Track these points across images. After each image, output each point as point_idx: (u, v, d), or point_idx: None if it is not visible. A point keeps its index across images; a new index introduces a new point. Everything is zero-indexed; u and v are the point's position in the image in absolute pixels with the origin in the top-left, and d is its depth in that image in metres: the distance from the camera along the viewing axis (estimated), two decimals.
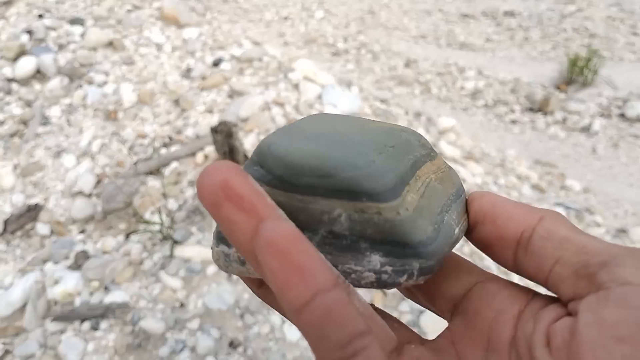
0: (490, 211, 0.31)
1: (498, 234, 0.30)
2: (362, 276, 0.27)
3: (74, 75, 3.36)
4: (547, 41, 6.77)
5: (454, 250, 0.34)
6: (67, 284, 2.09)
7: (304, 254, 0.23)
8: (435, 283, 0.33)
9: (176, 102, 3.19)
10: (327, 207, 0.27)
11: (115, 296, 2.03)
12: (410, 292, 0.35)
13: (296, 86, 3.24)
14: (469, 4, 9.21)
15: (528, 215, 0.30)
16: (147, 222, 2.21)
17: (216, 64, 3.49)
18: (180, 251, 2.15)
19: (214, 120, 2.94)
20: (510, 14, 8.16)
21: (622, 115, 4.17)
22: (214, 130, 2.33)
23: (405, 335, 0.31)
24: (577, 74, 4.79)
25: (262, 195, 0.24)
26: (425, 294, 0.34)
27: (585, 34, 6.88)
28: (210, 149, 2.63)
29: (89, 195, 2.60)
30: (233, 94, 3.16)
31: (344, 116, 0.35)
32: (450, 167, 0.36)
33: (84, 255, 2.24)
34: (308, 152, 0.29)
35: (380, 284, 0.28)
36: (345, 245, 0.28)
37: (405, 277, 0.28)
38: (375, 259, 0.27)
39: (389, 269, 0.27)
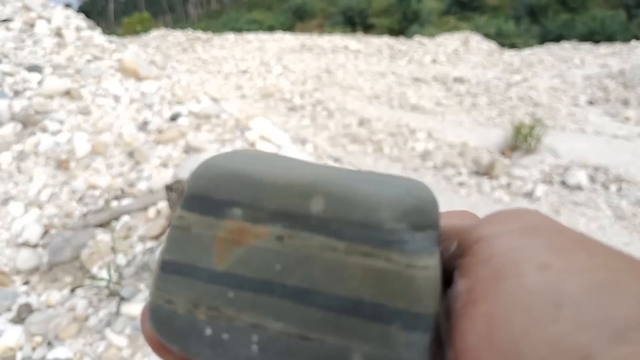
0: None
1: None
2: None
3: (28, 122, 3.34)
4: (494, 108, 7.08)
5: None
6: (9, 338, 2.04)
7: None
8: None
9: (131, 154, 3.20)
10: None
11: (59, 352, 1.99)
12: None
13: (252, 145, 3.30)
14: (420, 69, 9.52)
15: None
16: (94, 278, 2.19)
17: (173, 118, 3.52)
18: (127, 308, 2.13)
19: (168, 174, 2.96)
20: (459, 80, 8.50)
21: (563, 183, 4.37)
22: (169, 188, 2.36)
23: None
24: (521, 140, 5.02)
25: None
26: None
27: (529, 102, 7.23)
28: (163, 205, 2.65)
29: (35, 246, 2.56)
30: (189, 149, 3.19)
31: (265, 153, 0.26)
32: None
33: (27, 309, 2.19)
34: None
35: None
36: None
37: None
38: None
39: None
